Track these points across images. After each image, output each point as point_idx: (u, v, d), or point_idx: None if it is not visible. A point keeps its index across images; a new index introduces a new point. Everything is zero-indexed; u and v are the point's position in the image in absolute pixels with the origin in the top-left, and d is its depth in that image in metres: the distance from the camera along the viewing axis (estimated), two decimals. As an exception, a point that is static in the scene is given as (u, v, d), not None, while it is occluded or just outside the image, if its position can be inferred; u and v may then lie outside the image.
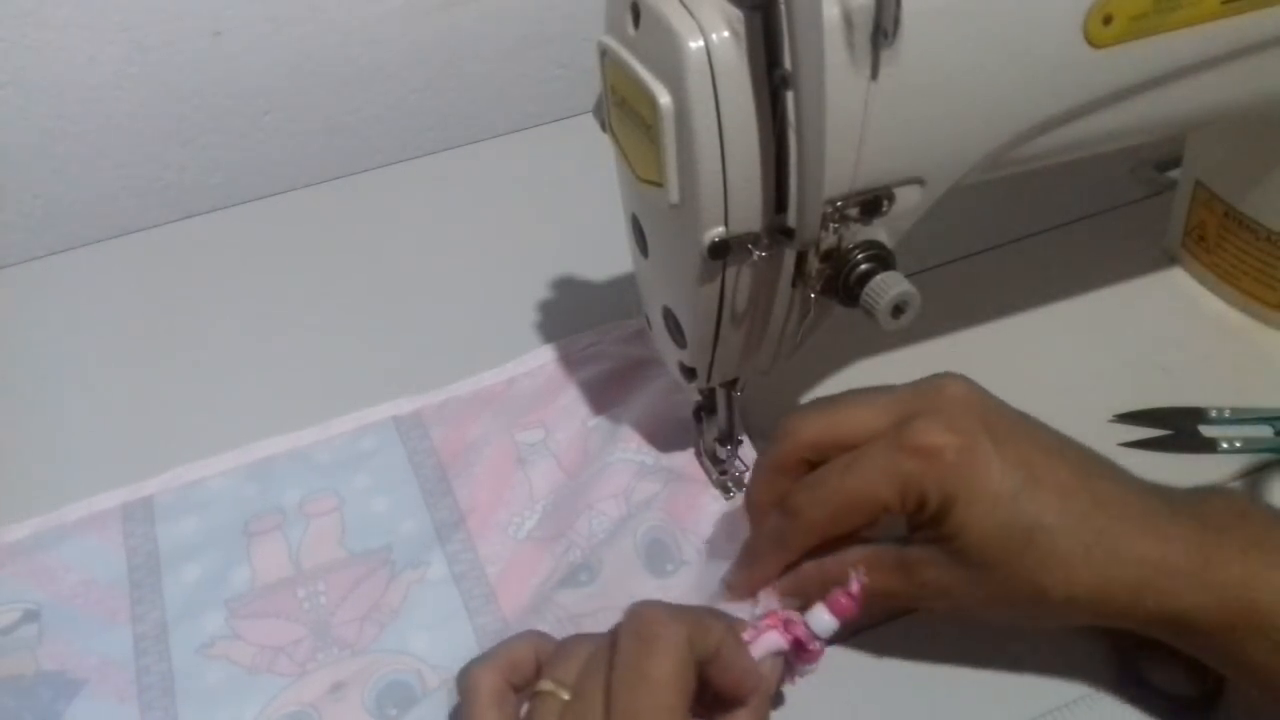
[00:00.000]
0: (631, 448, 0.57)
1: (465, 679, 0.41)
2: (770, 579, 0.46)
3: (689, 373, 0.51)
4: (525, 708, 0.41)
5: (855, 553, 0.45)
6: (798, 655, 0.41)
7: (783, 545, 0.46)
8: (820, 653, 0.41)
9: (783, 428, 0.46)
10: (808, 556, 0.46)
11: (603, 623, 0.48)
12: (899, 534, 0.45)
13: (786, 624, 0.40)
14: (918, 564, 0.43)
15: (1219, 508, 0.43)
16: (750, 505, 0.49)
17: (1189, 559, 0.41)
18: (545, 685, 0.40)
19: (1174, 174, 0.68)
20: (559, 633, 0.47)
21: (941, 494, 0.41)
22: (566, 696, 0.39)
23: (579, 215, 0.72)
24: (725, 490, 0.55)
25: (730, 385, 0.53)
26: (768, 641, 0.40)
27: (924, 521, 0.43)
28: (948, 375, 0.45)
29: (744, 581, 0.47)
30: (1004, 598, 0.43)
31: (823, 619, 0.40)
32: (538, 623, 0.49)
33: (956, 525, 0.41)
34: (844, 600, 0.40)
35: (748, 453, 0.56)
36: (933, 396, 0.44)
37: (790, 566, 0.46)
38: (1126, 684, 0.47)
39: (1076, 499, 0.42)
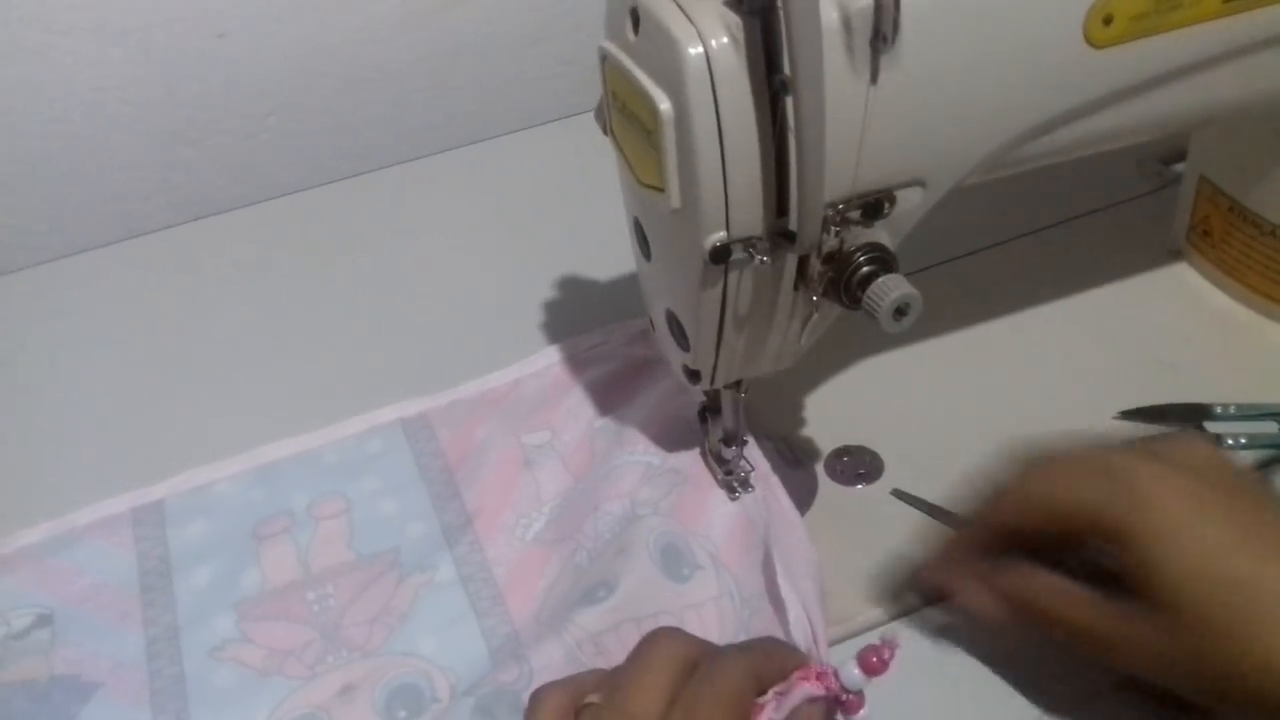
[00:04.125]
0: (638, 449, 0.57)
1: (536, 694, 0.42)
2: (962, 556, 0.47)
3: (693, 375, 0.51)
4: None
5: (1060, 578, 0.44)
6: (840, 706, 0.42)
7: (976, 523, 0.47)
8: (860, 704, 0.42)
9: (1029, 456, 0.46)
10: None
11: (625, 636, 0.48)
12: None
13: (819, 675, 0.41)
14: (1116, 608, 0.42)
15: None
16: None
17: None
18: (592, 698, 0.41)
19: (1180, 168, 0.68)
20: (579, 653, 0.48)
21: (1142, 532, 0.41)
22: None
23: (585, 213, 0.72)
24: (731, 490, 0.55)
25: (735, 386, 0.53)
26: (801, 691, 0.41)
27: (1120, 555, 0.42)
28: (1193, 434, 0.45)
29: (940, 558, 0.49)
30: (1205, 659, 0.40)
31: (853, 674, 0.41)
32: (554, 641, 0.49)
33: (1156, 571, 0.40)
34: (875, 660, 0.40)
35: (753, 453, 0.56)
36: (1169, 446, 0.43)
37: None
38: (1126, 688, 0.47)
39: None
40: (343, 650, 0.52)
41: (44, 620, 0.54)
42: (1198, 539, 0.40)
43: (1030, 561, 0.45)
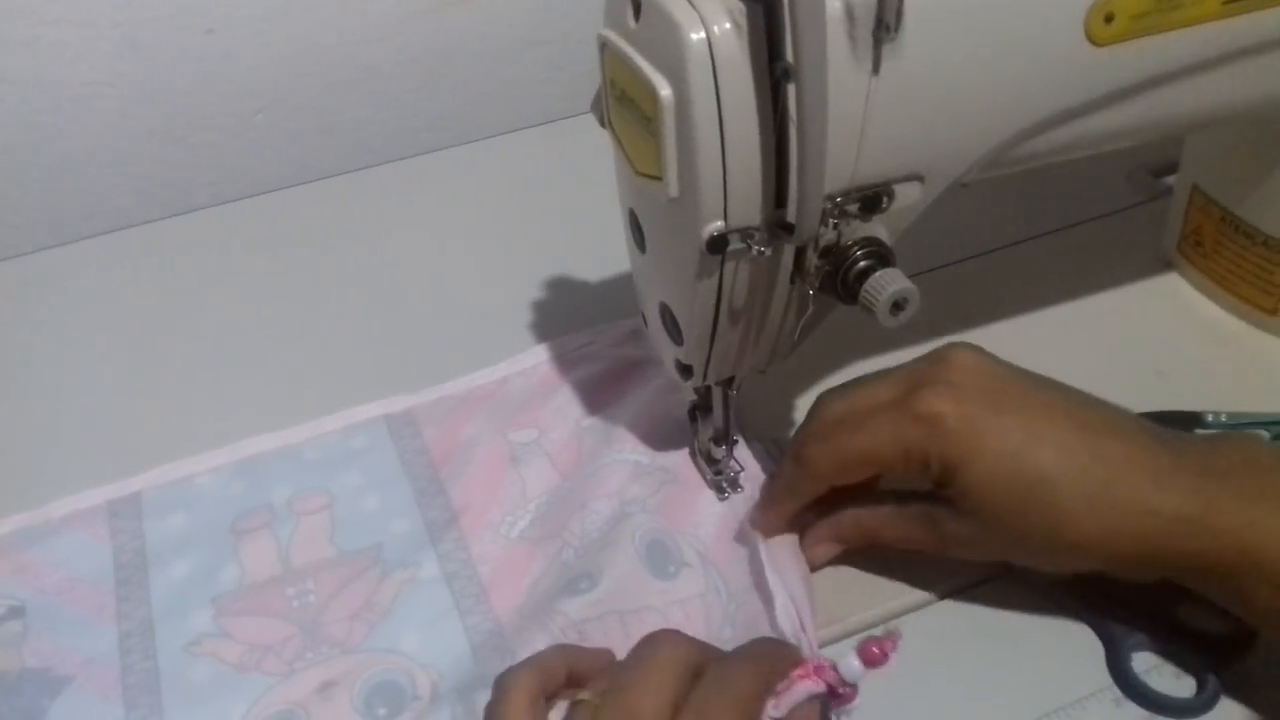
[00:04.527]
0: (626, 448, 0.57)
1: (500, 682, 0.42)
2: (787, 519, 0.51)
3: (685, 370, 0.51)
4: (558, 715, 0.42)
5: (887, 510, 0.49)
6: (833, 698, 0.42)
7: (794, 492, 0.50)
8: (853, 696, 0.42)
9: (815, 408, 0.50)
10: (839, 503, 0.50)
11: (608, 627, 0.48)
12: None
13: (817, 670, 0.41)
14: (940, 519, 0.47)
15: (1226, 454, 0.44)
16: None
17: (1190, 507, 0.43)
18: (584, 695, 0.41)
19: (1170, 180, 0.68)
20: (563, 638, 0.48)
21: (944, 459, 0.45)
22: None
23: (573, 216, 0.72)
24: (720, 490, 0.55)
25: (726, 384, 0.53)
26: (801, 689, 0.41)
27: (934, 482, 0.46)
28: (956, 345, 0.48)
29: (763, 523, 0.52)
30: (1019, 547, 0.46)
31: (853, 666, 0.41)
32: (539, 631, 0.48)
33: (962, 486, 0.45)
34: (875, 650, 0.41)
35: (743, 453, 0.56)
36: (941, 367, 0.47)
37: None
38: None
39: (1078, 454, 0.44)
40: (323, 647, 0.51)
41: (15, 612, 0.53)
42: (992, 451, 0.44)
43: (850, 499, 0.50)
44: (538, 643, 0.48)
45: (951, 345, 0.48)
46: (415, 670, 0.50)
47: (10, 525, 0.57)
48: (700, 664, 0.41)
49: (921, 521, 0.48)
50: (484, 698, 0.46)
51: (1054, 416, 0.45)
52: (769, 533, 0.51)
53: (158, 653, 0.51)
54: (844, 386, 0.50)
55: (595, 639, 0.48)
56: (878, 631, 0.41)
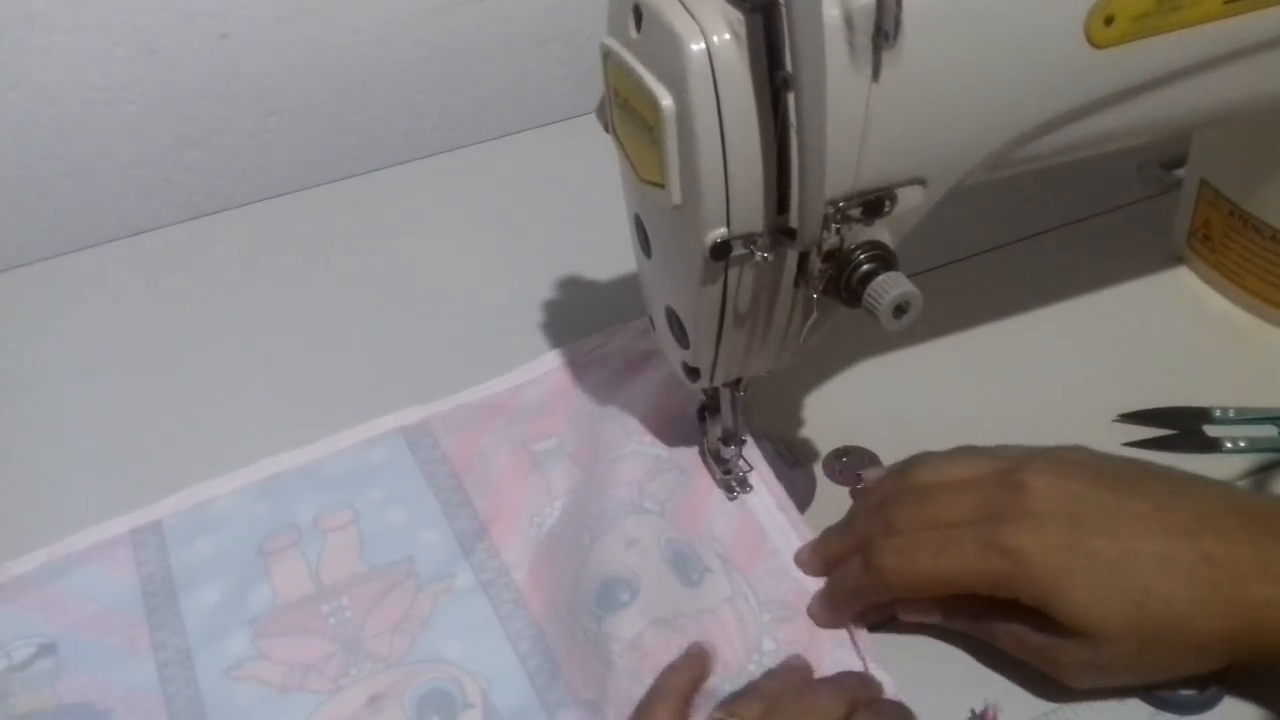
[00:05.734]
0: (646, 441, 0.57)
1: (660, 680, 0.44)
2: (847, 618, 0.50)
3: (692, 373, 0.51)
4: None
5: (1000, 628, 0.47)
6: None
7: (860, 597, 0.49)
8: None
9: (883, 509, 0.49)
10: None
11: (659, 632, 0.48)
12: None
13: None
14: (1055, 649, 0.46)
15: None
16: (824, 555, 0.52)
17: None
18: (718, 715, 0.42)
19: (1180, 172, 0.68)
20: (620, 660, 0.47)
21: (1033, 593, 0.44)
22: None
23: (586, 215, 0.72)
24: (729, 490, 0.55)
25: (734, 385, 0.53)
26: None
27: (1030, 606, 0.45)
28: (1033, 465, 0.47)
29: (825, 620, 0.50)
30: (1143, 662, 0.45)
31: None
32: (596, 662, 0.48)
33: (1066, 614, 0.44)
34: None
35: (752, 453, 0.56)
36: (1019, 494, 0.46)
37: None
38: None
39: (1180, 561, 0.43)
40: (365, 662, 0.51)
41: (46, 650, 0.53)
42: (1084, 575, 0.43)
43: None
44: (603, 674, 0.48)
45: (1028, 465, 0.47)
46: (463, 678, 0.50)
47: (32, 561, 0.57)
48: (851, 710, 0.42)
49: (1039, 656, 0.47)
50: None
51: (1146, 528, 0.44)
52: (828, 626, 0.50)
53: (198, 679, 0.51)
54: (915, 489, 0.49)
55: (652, 647, 0.47)
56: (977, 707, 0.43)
